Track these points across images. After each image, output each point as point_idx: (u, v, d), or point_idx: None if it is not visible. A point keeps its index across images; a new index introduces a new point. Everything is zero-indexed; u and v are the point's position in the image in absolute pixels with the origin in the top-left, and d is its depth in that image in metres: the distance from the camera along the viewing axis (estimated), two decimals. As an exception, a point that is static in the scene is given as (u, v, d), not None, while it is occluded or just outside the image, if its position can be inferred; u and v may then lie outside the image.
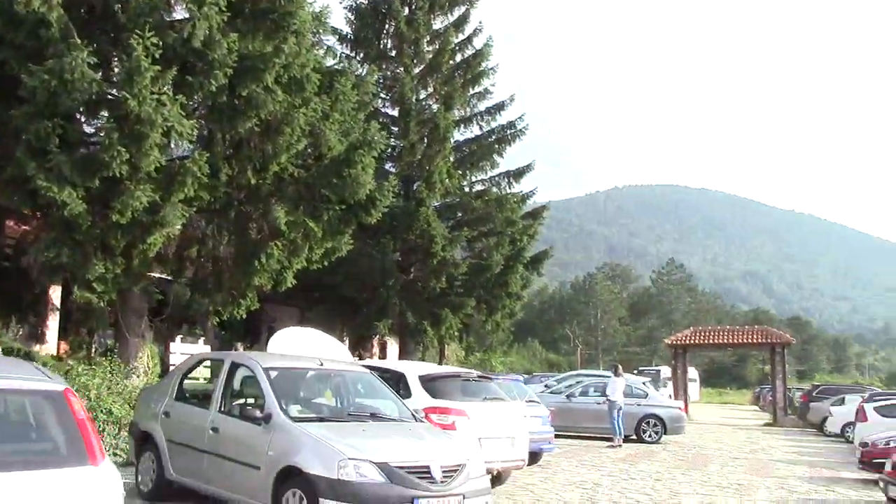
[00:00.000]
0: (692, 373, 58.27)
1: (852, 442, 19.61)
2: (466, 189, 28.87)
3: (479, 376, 12.29)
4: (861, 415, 20.61)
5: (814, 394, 33.60)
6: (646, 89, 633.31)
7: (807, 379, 70.71)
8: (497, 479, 11.48)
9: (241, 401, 8.45)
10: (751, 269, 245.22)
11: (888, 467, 10.92)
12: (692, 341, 38.87)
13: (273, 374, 8.29)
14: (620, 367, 21.56)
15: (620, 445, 19.43)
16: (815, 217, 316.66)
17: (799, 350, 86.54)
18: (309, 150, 15.54)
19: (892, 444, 14.38)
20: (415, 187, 26.33)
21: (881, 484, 11.01)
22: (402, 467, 7.18)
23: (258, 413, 7.85)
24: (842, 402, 27.21)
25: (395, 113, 27.99)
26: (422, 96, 28.56)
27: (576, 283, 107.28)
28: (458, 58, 28.64)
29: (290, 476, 7.25)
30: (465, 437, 9.56)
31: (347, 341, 27.63)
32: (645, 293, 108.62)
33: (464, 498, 7.40)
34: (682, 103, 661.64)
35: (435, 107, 27.70)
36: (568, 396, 22.06)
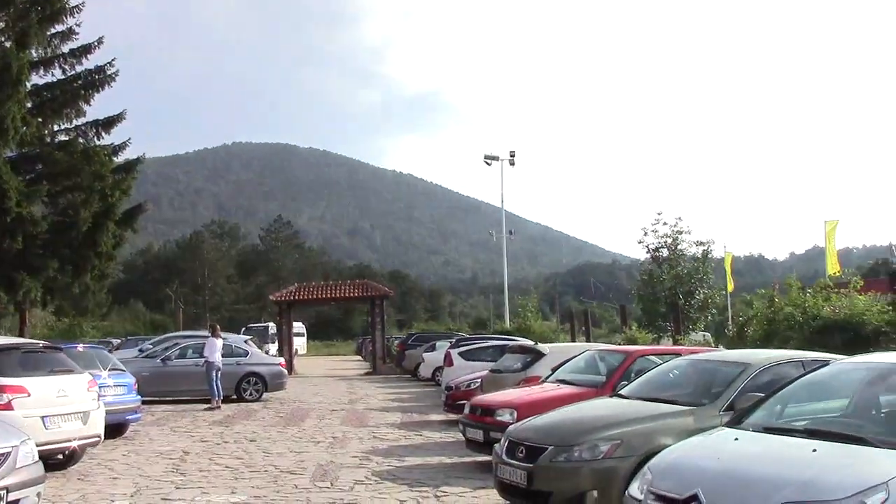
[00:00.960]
0: (299, 327, 59.48)
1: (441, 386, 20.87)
2: (48, 139, 26.11)
3: (46, 346, 10.88)
4: (448, 360, 22.16)
5: (409, 342, 35.72)
6: (255, 54, 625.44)
7: (406, 328, 75.38)
8: (70, 458, 10.34)
9: None
10: (356, 226, 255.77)
11: (466, 410, 11.46)
12: (297, 297, 39.44)
13: None
14: (218, 326, 20.97)
15: (219, 407, 18.92)
16: (414, 176, 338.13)
17: (399, 301, 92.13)
18: None
19: (472, 387, 15.46)
20: (-18, 135, 23.01)
21: (460, 426, 11.43)
22: (-80, 465, 5.95)
23: None
24: (433, 348, 29.16)
25: (-43, 48, 24.33)
26: (-10, 31, 25.18)
27: (181, 242, 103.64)
28: (35, -10, 25.61)
29: None
30: (21, 418, 8.35)
31: None
32: (253, 251, 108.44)
33: (7, 491, 6.36)
34: (290, 70, 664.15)
35: (7, 44, 24.58)
36: (164, 360, 20.91)
